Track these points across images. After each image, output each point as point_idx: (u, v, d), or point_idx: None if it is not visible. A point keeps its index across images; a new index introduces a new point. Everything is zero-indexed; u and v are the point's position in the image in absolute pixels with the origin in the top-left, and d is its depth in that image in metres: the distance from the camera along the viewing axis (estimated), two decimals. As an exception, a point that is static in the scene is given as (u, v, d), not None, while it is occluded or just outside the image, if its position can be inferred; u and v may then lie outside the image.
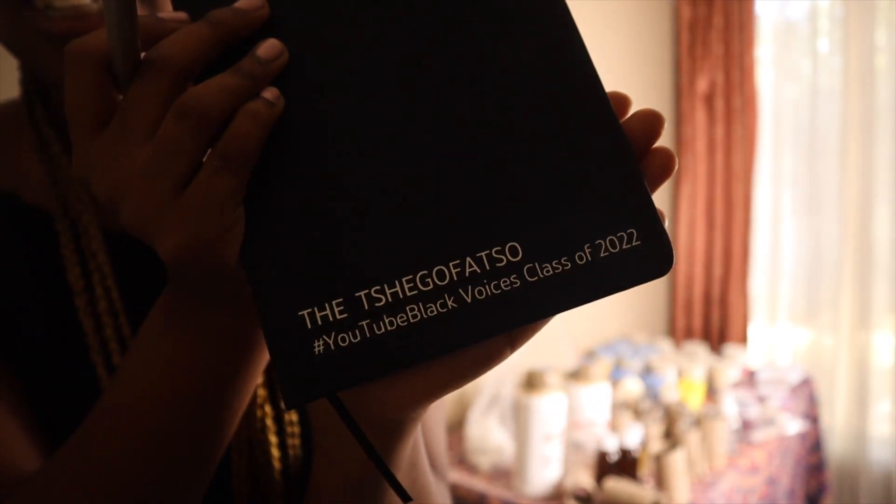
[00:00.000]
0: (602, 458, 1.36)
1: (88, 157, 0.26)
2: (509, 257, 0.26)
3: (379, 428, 0.29)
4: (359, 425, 0.28)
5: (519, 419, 1.35)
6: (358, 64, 0.27)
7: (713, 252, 2.71)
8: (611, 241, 0.26)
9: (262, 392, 0.44)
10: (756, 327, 2.71)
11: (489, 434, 1.51)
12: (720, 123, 2.67)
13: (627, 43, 2.49)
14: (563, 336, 1.96)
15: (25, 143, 0.44)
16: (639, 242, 0.26)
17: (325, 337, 0.25)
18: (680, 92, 2.76)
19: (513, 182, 0.26)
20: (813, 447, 2.17)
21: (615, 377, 1.84)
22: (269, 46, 0.26)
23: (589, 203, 0.26)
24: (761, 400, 2.02)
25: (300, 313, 0.25)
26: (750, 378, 2.27)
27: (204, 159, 0.26)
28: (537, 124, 0.27)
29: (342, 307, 0.25)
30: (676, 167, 0.27)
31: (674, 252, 0.26)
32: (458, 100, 0.27)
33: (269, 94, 0.26)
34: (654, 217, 0.26)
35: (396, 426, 0.29)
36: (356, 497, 0.35)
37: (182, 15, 0.27)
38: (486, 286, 0.26)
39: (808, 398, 2.20)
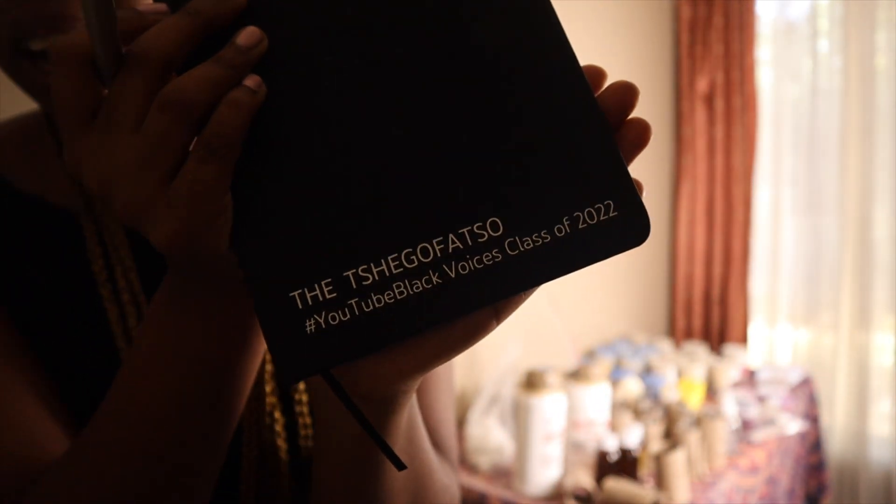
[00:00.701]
0: (602, 457, 1.36)
1: (78, 151, 0.27)
2: (490, 232, 0.27)
3: (372, 401, 0.30)
4: (351, 399, 0.29)
5: (519, 419, 1.35)
6: (338, 48, 0.27)
7: (713, 252, 2.71)
8: (588, 212, 0.27)
9: (271, 399, 0.46)
10: (756, 327, 2.71)
11: (489, 434, 1.51)
12: (720, 123, 2.67)
13: (627, 43, 2.49)
14: (563, 336, 1.96)
15: (49, 150, 0.47)
16: (616, 213, 0.27)
17: (315, 316, 0.26)
18: (680, 92, 2.76)
19: (492, 158, 0.27)
20: (813, 447, 2.17)
21: (615, 377, 1.84)
22: (248, 34, 0.26)
23: (566, 176, 0.27)
24: (761, 400, 2.02)
25: (291, 294, 0.26)
26: (750, 378, 2.27)
27: (190, 148, 0.26)
28: (515, 102, 0.27)
29: (331, 287, 0.26)
30: (651, 137, 0.28)
31: (650, 221, 0.27)
32: (436, 81, 0.27)
33: (251, 81, 0.26)
34: (631, 188, 0.27)
35: (389, 400, 0.30)
36: (355, 468, 0.36)
37: (161, 6, 0.27)
38: (470, 261, 0.27)
39: (807, 398, 2.21)
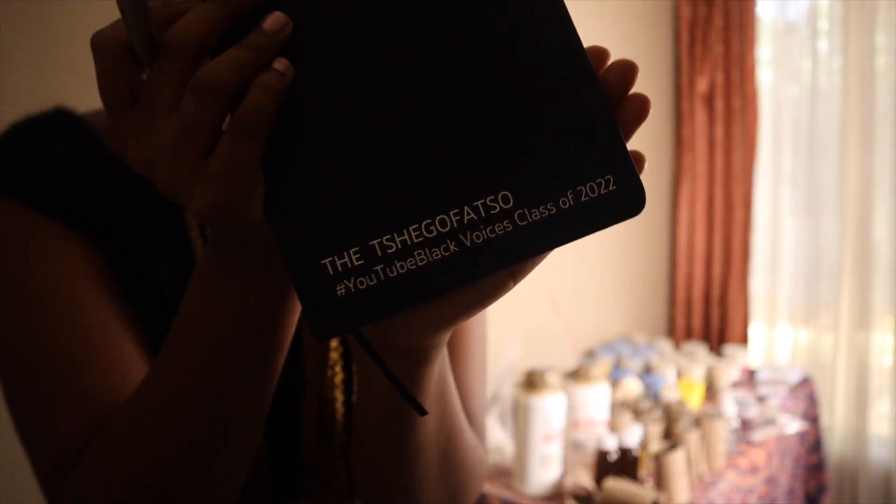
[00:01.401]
0: (602, 457, 1.36)
1: (123, 133, 0.29)
2: (502, 205, 0.29)
3: (405, 354, 0.34)
4: (385, 352, 0.33)
5: (519, 419, 1.35)
6: (356, 29, 0.29)
7: (713, 252, 2.72)
8: (590, 186, 0.29)
9: (334, 356, 0.52)
10: (756, 327, 2.71)
11: (489, 434, 1.51)
12: (720, 123, 2.67)
13: (627, 43, 2.49)
14: (563, 336, 1.96)
15: None
16: (615, 187, 0.29)
17: (345, 281, 0.29)
18: (680, 92, 2.76)
19: (503, 136, 0.29)
20: (812, 447, 2.17)
21: (615, 377, 1.85)
22: (274, 20, 0.28)
23: (571, 153, 0.29)
24: (761, 400, 2.02)
25: (322, 262, 0.29)
26: (749, 378, 2.27)
27: (224, 127, 0.28)
28: (523, 83, 0.29)
29: (358, 255, 0.29)
30: (650, 110, 0.30)
31: (646, 195, 0.29)
32: (450, 61, 0.29)
33: (280, 64, 0.28)
34: (629, 163, 0.29)
35: (421, 352, 0.34)
36: (389, 418, 0.41)
37: None
38: (483, 231, 0.29)
39: (807, 398, 2.21)
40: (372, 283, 0.29)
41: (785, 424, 1.83)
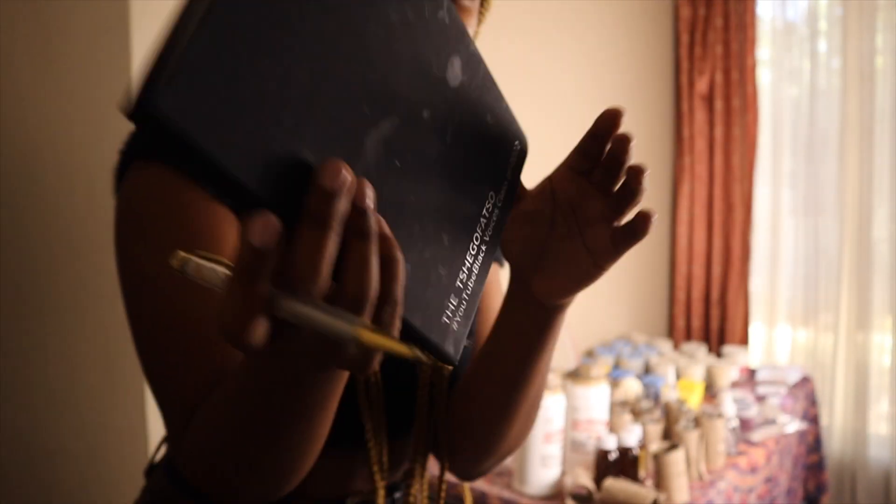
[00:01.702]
0: (601, 457, 1.36)
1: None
2: (491, 201, 0.42)
3: (543, 307, 0.51)
4: (524, 305, 0.52)
5: (519, 419, 1.35)
6: (389, 142, 0.33)
7: (713, 252, 2.72)
8: (515, 154, 0.45)
9: None
10: (755, 327, 2.71)
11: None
12: (720, 123, 2.68)
13: (627, 43, 2.49)
14: (563, 336, 1.96)
15: None
16: (519, 144, 0.45)
17: (456, 319, 0.38)
18: (680, 92, 2.77)
19: (477, 158, 0.40)
20: (812, 447, 2.17)
21: (615, 377, 1.85)
22: (361, 195, 0.27)
23: (504, 145, 0.43)
24: (760, 399, 2.02)
25: (443, 320, 0.37)
26: (749, 378, 2.27)
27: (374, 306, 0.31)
28: (474, 115, 0.40)
29: (454, 296, 0.38)
30: (644, 193, 0.44)
31: (527, 140, 0.46)
32: (428, 123, 0.36)
33: (374, 224, 0.28)
34: (519, 129, 0.45)
35: (553, 307, 0.51)
36: (521, 357, 0.55)
37: (270, 226, 0.25)
38: (491, 225, 0.42)
39: (807, 398, 2.21)
40: (465, 306, 0.39)
41: (784, 424, 1.83)
